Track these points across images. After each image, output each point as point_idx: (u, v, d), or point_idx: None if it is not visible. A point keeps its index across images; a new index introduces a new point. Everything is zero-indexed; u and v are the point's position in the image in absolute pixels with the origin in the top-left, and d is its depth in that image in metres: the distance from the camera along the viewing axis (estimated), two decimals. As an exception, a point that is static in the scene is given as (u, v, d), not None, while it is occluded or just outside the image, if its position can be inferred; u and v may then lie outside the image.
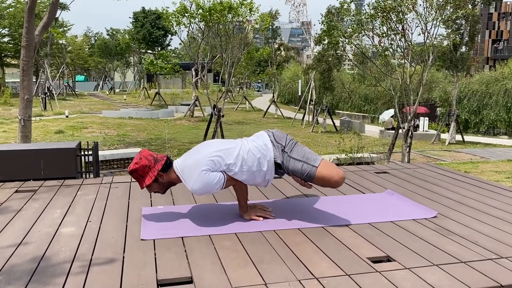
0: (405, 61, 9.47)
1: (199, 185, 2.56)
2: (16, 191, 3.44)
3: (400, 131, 9.49)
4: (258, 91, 51.10)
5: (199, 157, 2.62)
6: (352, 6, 10.25)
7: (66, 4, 23.36)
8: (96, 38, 47.55)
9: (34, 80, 24.01)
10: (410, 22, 9.09)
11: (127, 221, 2.76)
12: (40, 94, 22.92)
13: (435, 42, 9.29)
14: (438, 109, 20.99)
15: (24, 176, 3.83)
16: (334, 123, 19.33)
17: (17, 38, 27.89)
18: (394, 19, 9.02)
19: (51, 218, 2.81)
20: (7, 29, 31.85)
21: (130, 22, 33.81)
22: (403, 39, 9.19)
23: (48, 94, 23.32)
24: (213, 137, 11.94)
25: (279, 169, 2.74)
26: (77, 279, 1.97)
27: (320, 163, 2.63)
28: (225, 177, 2.61)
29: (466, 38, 15.21)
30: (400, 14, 8.90)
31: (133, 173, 2.66)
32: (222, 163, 2.61)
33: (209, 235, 2.51)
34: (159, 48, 32.69)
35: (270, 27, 22.93)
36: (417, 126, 17.69)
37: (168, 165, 2.68)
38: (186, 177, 2.60)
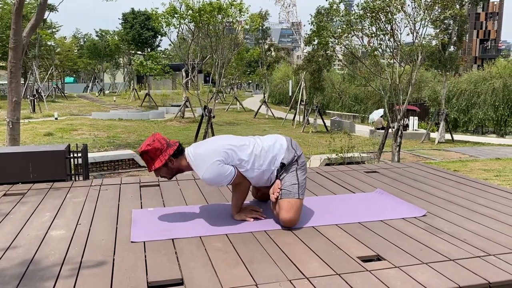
0: (394, 61, 9.53)
1: (211, 175, 2.57)
2: (4, 195, 3.41)
3: (390, 130, 9.55)
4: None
5: (213, 148, 2.64)
6: (341, 6, 10.30)
7: (55, 5, 23.18)
8: (85, 39, 47.22)
9: (23, 82, 23.77)
10: (399, 22, 9.16)
11: (117, 224, 2.75)
12: (28, 96, 22.69)
13: (423, 42, 9.37)
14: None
15: (12, 179, 3.79)
16: (324, 123, 19.40)
17: (5, 40, 27.55)
18: (383, 20, 9.08)
19: (40, 221, 2.79)
20: (-6, 30, 31.48)
21: (120, 23, 33.57)
22: (392, 39, 9.26)
23: (36, 96, 23.12)
24: (204, 138, 11.92)
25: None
26: (66, 282, 1.95)
27: (301, 198, 2.70)
28: (235, 172, 2.64)
29: (454, 38, 15.36)
30: (389, 14, 8.96)
31: (143, 154, 2.65)
32: (235, 157, 2.64)
33: (200, 237, 2.50)
34: (148, 49, 32.50)
35: (260, 27, 22.93)
36: (407, 125, 17.81)
37: (179, 151, 2.69)
38: (197, 165, 2.61)
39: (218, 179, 2.60)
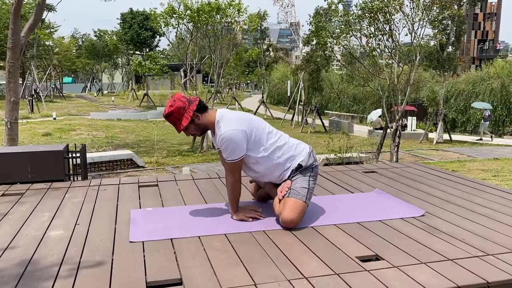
0: (393, 61, 9.55)
1: (229, 136, 2.59)
2: (3, 195, 3.40)
3: (388, 130, 9.56)
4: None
5: (246, 118, 2.72)
6: (340, 7, 10.31)
7: (53, 5, 23.16)
8: (83, 39, 47.19)
9: (21, 82, 23.72)
10: (397, 23, 9.18)
11: (115, 224, 2.75)
12: (27, 97, 22.68)
13: (422, 42, 9.39)
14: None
15: (10, 179, 3.79)
16: (323, 123, 19.41)
17: (3, 40, 27.49)
18: (381, 20, 9.09)
19: (39, 222, 2.78)
20: (-8, 30, 31.38)
21: (118, 23, 33.55)
22: (390, 40, 9.27)
23: (35, 96, 23.09)
24: (202, 139, 11.89)
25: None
26: (65, 282, 1.95)
27: (307, 203, 2.74)
28: (241, 157, 2.67)
29: (453, 38, 15.40)
30: (387, 14, 8.97)
31: (169, 116, 2.66)
32: (259, 138, 2.71)
33: (199, 237, 2.50)
34: (147, 49, 32.50)
35: (259, 28, 22.95)
36: (405, 125, 17.83)
37: (202, 107, 2.71)
38: (223, 123, 2.64)
39: (229, 146, 2.62)
